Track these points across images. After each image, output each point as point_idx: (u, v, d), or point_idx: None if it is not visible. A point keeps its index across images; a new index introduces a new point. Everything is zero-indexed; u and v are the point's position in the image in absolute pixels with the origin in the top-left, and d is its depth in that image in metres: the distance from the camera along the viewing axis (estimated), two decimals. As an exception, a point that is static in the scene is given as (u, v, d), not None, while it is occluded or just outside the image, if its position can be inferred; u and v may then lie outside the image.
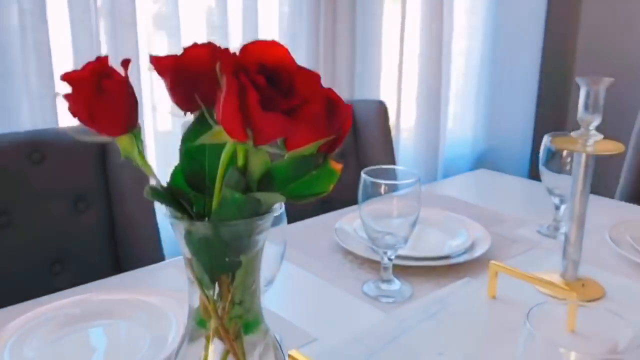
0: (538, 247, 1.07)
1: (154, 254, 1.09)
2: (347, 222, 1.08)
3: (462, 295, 0.86)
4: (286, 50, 0.33)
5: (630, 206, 1.33)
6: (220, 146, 0.44)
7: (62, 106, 1.22)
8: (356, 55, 1.63)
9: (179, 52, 0.42)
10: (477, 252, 0.99)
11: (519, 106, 2.25)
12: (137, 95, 1.31)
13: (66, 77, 0.38)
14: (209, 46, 0.43)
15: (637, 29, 2.25)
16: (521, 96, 2.24)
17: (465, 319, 0.80)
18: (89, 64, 0.38)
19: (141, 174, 1.15)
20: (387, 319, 0.80)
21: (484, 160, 2.19)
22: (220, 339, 0.45)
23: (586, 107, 0.83)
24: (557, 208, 1.12)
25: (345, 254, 1.01)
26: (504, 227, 1.15)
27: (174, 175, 0.45)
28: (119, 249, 1.11)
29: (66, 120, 1.24)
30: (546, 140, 1.10)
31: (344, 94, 1.66)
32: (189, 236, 0.41)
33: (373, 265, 0.96)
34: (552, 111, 2.44)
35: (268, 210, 0.41)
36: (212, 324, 0.44)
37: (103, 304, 0.79)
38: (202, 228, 0.40)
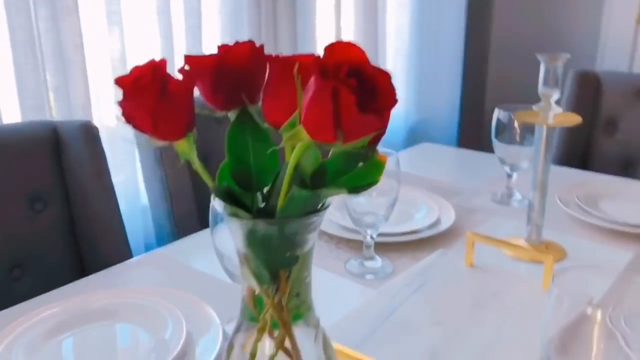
0: (496, 214, 1.13)
1: (121, 251, 1.06)
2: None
3: (441, 267, 0.90)
4: (363, 51, 0.34)
5: (566, 169, 1.43)
6: (266, 145, 0.44)
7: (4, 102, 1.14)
8: (297, 35, 1.63)
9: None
10: (445, 225, 1.04)
11: (445, 79, 2.35)
12: (86, 88, 1.24)
13: (122, 82, 0.37)
14: (250, 45, 0.43)
15: (551, 1, 2.39)
16: (448, 70, 2.34)
17: (449, 289, 0.84)
18: (144, 67, 0.37)
19: (100, 169, 1.11)
20: (378, 296, 0.83)
21: (416, 132, 2.28)
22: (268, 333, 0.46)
23: (546, 82, 0.89)
24: (509, 176, 1.20)
25: (319, 235, 1.03)
26: (460, 198, 1.21)
27: (220, 174, 0.44)
28: (82, 249, 1.07)
29: (8, 116, 1.17)
30: (497, 113, 1.17)
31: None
32: (251, 235, 0.42)
33: (350, 244, 0.99)
34: (474, 84, 2.56)
35: (325, 205, 0.42)
36: (268, 317, 0.45)
37: (93, 306, 0.77)
38: (266, 226, 0.41)
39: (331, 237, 1.02)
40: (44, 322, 0.73)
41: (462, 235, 1.03)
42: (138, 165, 1.28)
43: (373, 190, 0.89)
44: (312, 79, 0.34)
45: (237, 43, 0.43)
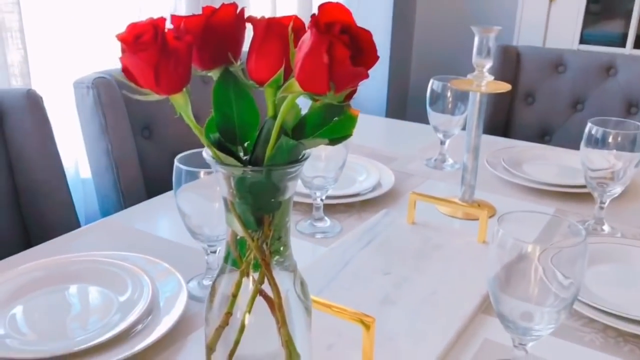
0: (430, 178, 1.22)
1: (70, 221, 1.06)
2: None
3: (385, 225, 0.97)
4: (350, 12, 0.39)
5: (490, 137, 1.54)
6: (248, 101, 0.48)
7: None
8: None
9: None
10: (386, 187, 1.11)
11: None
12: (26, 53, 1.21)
13: (123, 38, 0.40)
14: (234, 7, 0.47)
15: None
16: (377, 44, 2.41)
17: (395, 244, 0.91)
18: (145, 24, 0.40)
19: (45, 137, 1.10)
20: (330, 252, 0.88)
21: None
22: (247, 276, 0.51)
23: (479, 52, 0.97)
24: (442, 143, 1.28)
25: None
26: (397, 164, 1.28)
27: (207, 128, 0.48)
28: (28, 221, 1.06)
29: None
30: (432, 83, 1.24)
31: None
32: (240, 182, 0.46)
33: (300, 207, 1.04)
34: (401, 58, 2.65)
35: (305, 156, 0.46)
36: (250, 259, 0.49)
37: (57, 270, 0.78)
38: (255, 174, 0.45)
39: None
40: (8, 284, 0.73)
41: (402, 196, 1.11)
42: (75, 138, 1.27)
43: (322, 153, 0.94)
44: (308, 34, 0.38)
45: (222, 5, 0.46)
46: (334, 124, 0.48)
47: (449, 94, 1.23)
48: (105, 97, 1.13)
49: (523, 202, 1.09)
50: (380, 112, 2.51)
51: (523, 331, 0.60)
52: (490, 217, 1.03)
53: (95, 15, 1.34)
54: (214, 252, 0.78)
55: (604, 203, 0.97)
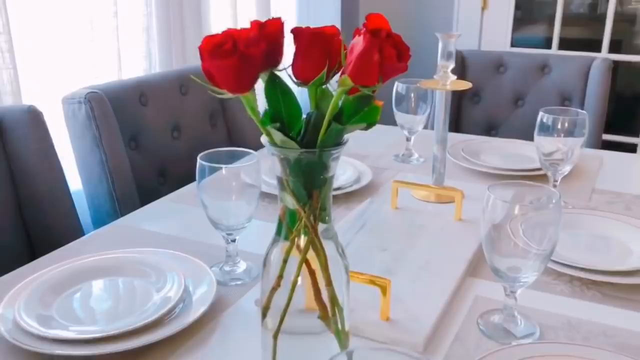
0: (401, 171, 1.35)
1: (74, 230, 1.12)
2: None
3: (372, 211, 1.09)
4: (387, 20, 0.50)
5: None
6: (291, 97, 0.59)
7: None
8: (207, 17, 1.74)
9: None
10: (365, 181, 1.23)
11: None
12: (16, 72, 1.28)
13: (205, 47, 0.49)
14: (280, 20, 0.57)
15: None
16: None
17: (385, 226, 1.03)
18: (223, 35, 0.50)
19: (47, 150, 1.16)
20: (329, 236, 0.99)
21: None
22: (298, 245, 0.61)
23: (443, 55, 1.10)
24: (408, 140, 1.42)
25: (264, 197, 1.17)
26: (369, 160, 1.40)
27: (263, 121, 0.58)
28: (32, 232, 1.11)
29: None
30: (396, 86, 1.38)
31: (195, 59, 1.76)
32: (297, 163, 0.56)
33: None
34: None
35: (345, 141, 0.57)
36: (300, 228, 0.59)
37: (91, 265, 0.85)
38: (310, 155, 0.55)
39: (272, 197, 1.16)
40: (49, 280, 0.80)
41: (380, 187, 1.23)
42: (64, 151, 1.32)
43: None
44: (359, 39, 0.49)
45: (271, 19, 0.56)
46: (364, 113, 0.59)
47: (412, 95, 1.36)
48: (97, 111, 1.20)
49: (485, 187, 1.23)
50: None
51: (512, 280, 0.73)
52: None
53: (75, 37, 1.40)
54: (234, 240, 0.88)
55: (557, 181, 1.13)
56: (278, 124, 0.55)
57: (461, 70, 1.90)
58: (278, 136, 0.55)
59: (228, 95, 0.54)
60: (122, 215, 1.21)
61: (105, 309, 0.78)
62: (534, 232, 0.71)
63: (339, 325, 0.63)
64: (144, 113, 1.37)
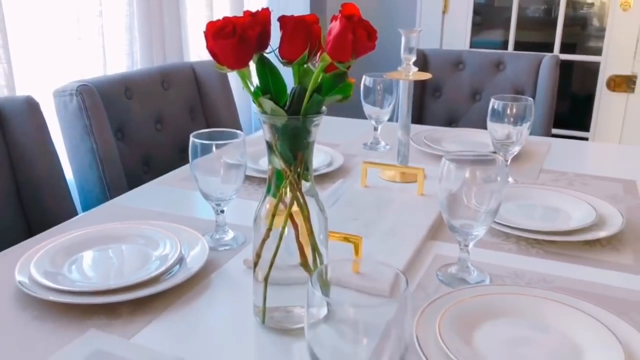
0: (369, 157, 1.47)
1: (69, 211, 1.20)
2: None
3: (345, 189, 1.20)
4: (358, 8, 0.62)
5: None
6: (277, 75, 0.70)
7: None
8: (185, 18, 1.84)
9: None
10: (337, 164, 1.35)
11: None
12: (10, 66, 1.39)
13: (209, 30, 0.60)
14: (268, 10, 0.69)
15: (373, -4, 2.82)
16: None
17: (355, 202, 1.15)
18: (224, 21, 0.61)
19: (44, 137, 1.25)
20: (306, 210, 1.10)
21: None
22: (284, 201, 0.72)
23: (406, 49, 1.23)
24: (375, 129, 1.54)
25: (247, 179, 1.28)
26: (340, 148, 1.52)
27: (255, 94, 0.69)
28: (29, 214, 1.19)
29: None
30: (364, 79, 1.50)
31: (175, 57, 1.86)
32: (284, 128, 0.67)
33: (270, 183, 1.25)
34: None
35: (324, 110, 0.69)
36: (286, 185, 0.71)
37: (95, 234, 0.95)
38: (295, 121, 0.67)
39: (253, 180, 1.27)
40: (54, 248, 0.90)
41: (351, 170, 1.35)
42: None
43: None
44: (336, 23, 0.60)
45: (261, 9, 0.67)
46: (339, 88, 0.70)
47: (378, 88, 1.49)
48: (88, 102, 1.29)
49: (446, 168, 1.36)
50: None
51: (465, 235, 0.85)
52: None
53: (63, 36, 1.48)
54: (222, 211, 0.98)
55: (507, 161, 1.26)
56: (269, 95, 0.67)
57: (423, 68, 2.04)
58: (268, 105, 0.66)
59: (229, 70, 0.65)
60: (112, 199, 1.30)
61: (109, 269, 0.88)
62: (483, 195, 0.83)
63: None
64: (129, 106, 1.47)
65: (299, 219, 0.73)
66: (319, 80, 0.66)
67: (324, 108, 0.69)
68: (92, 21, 1.57)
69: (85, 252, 0.91)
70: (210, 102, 1.68)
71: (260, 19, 0.67)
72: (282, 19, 0.68)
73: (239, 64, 0.64)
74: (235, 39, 0.61)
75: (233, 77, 1.76)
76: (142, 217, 1.08)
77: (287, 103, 0.69)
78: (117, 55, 1.67)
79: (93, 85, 1.33)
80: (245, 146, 0.96)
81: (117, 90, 1.44)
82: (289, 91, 0.69)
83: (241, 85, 0.69)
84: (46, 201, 1.19)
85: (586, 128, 2.76)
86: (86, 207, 1.38)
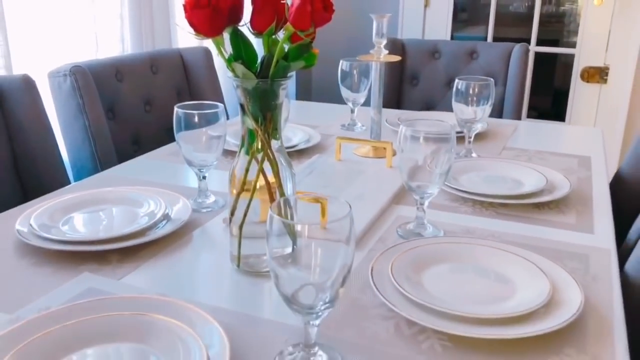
0: (346, 136, 1.56)
1: (63, 181, 1.29)
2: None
3: (321, 163, 1.30)
4: (317, -15, 0.71)
5: (388, 109, 1.92)
6: (249, 45, 0.79)
7: None
8: (173, 7, 1.92)
9: None
10: (314, 141, 1.44)
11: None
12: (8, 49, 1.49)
13: (187, 3, 0.70)
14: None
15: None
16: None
17: (329, 172, 1.25)
18: (201, -4, 0.70)
19: (39, 112, 1.33)
20: (283, 179, 1.20)
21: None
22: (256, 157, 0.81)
23: (377, 33, 1.33)
24: (352, 111, 1.64)
25: (225, 155, 1.37)
26: (320, 129, 1.62)
27: (228, 60, 0.78)
28: (26, 182, 1.28)
29: None
30: (341, 64, 1.60)
31: (164, 44, 1.94)
32: (254, 90, 0.77)
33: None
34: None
35: (290, 75, 0.78)
36: (258, 142, 0.80)
37: (87, 198, 1.04)
38: (264, 84, 0.76)
39: (234, 153, 1.36)
40: (59, 205, 0.99)
41: (328, 148, 1.45)
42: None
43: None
44: (298, -3, 0.70)
45: (234, -13, 0.77)
46: (304, 57, 0.80)
47: (355, 72, 1.59)
48: (81, 82, 1.38)
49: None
50: (291, 97, 2.84)
51: (421, 194, 0.95)
52: (394, 155, 1.39)
53: (58, 22, 1.57)
54: (204, 177, 1.08)
55: (471, 138, 1.36)
56: (241, 61, 0.76)
57: (402, 56, 2.14)
58: (240, 69, 0.75)
59: (205, 38, 0.74)
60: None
61: (101, 224, 0.97)
62: (438, 159, 0.93)
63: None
64: (119, 88, 1.56)
65: (269, 175, 0.83)
66: (285, 48, 0.76)
67: (290, 73, 0.79)
68: (85, 9, 1.66)
69: (78, 211, 1.01)
70: (196, 86, 1.77)
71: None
72: (253, -5, 0.77)
73: (213, 32, 0.73)
74: (209, 9, 0.70)
75: (219, 64, 1.86)
76: (130, 185, 1.17)
77: (258, 69, 0.78)
78: (108, 41, 1.76)
79: (86, 67, 1.41)
80: (224, 117, 1.06)
81: (108, 72, 1.53)
82: (259, 60, 0.79)
83: (227, 72, 0.78)
84: (41, 172, 1.28)
85: (563, 118, 2.87)
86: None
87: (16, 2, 1.47)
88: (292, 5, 0.72)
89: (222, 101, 1.82)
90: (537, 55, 2.74)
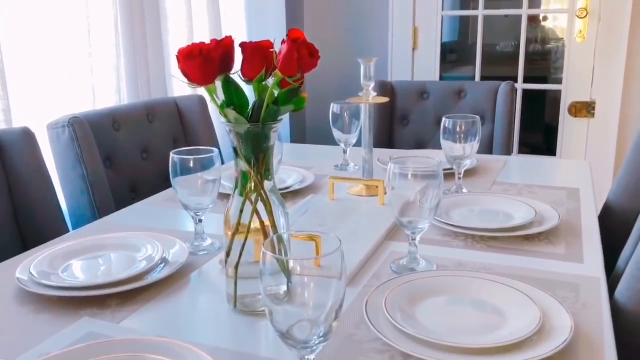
0: (338, 175, 1.60)
1: (61, 233, 1.31)
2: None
3: (315, 202, 1.33)
4: (303, 33, 0.76)
5: (378, 149, 1.96)
6: (240, 91, 0.83)
7: None
8: (168, 58, 1.98)
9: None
10: (308, 182, 1.47)
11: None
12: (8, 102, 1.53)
13: (181, 53, 0.74)
14: (231, 38, 0.82)
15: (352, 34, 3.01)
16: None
17: (324, 211, 1.27)
18: (193, 46, 0.74)
19: (39, 164, 1.37)
20: (278, 220, 1.22)
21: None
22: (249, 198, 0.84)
23: (365, 76, 1.37)
24: (345, 152, 1.68)
25: (221, 197, 1.40)
26: (314, 170, 1.65)
27: (221, 106, 0.82)
28: (25, 234, 1.30)
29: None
30: (332, 107, 1.64)
31: (159, 93, 2.00)
32: (246, 134, 0.80)
33: (246, 200, 1.37)
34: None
35: (281, 119, 0.82)
36: (251, 184, 0.83)
37: (85, 245, 1.06)
38: (256, 128, 0.79)
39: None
40: (58, 252, 1.01)
41: (322, 188, 1.48)
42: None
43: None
44: (285, 46, 0.74)
45: (225, 37, 0.81)
46: (293, 101, 0.84)
47: (346, 114, 1.63)
48: (80, 133, 1.41)
49: (408, 184, 1.49)
50: (286, 140, 2.88)
51: (413, 229, 0.97)
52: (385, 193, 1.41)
53: (56, 74, 1.62)
54: (201, 221, 1.10)
55: (461, 174, 1.40)
56: (233, 107, 0.80)
57: (391, 98, 2.20)
58: (232, 115, 0.79)
59: (198, 86, 0.78)
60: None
61: (99, 270, 0.99)
62: (427, 194, 0.96)
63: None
64: (117, 137, 1.60)
65: (263, 216, 0.85)
66: (274, 93, 0.79)
67: (280, 117, 0.82)
68: (82, 61, 1.71)
69: (77, 258, 1.02)
70: (192, 133, 1.81)
71: (224, 43, 0.80)
72: (243, 45, 0.82)
73: (206, 81, 0.77)
74: (201, 59, 0.74)
75: (214, 111, 1.91)
76: (128, 231, 1.19)
77: (249, 114, 0.82)
78: (105, 92, 1.81)
79: (84, 118, 1.45)
80: (219, 161, 1.09)
81: (105, 122, 1.57)
82: (250, 106, 0.83)
83: (222, 119, 0.82)
84: (41, 222, 1.30)
85: (554, 153, 2.92)
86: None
87: (15, 57, 1.52)
88: (280, 53, 0.76)
89: (217, 147, 1.86)
90: (527, 92, 2.81)
